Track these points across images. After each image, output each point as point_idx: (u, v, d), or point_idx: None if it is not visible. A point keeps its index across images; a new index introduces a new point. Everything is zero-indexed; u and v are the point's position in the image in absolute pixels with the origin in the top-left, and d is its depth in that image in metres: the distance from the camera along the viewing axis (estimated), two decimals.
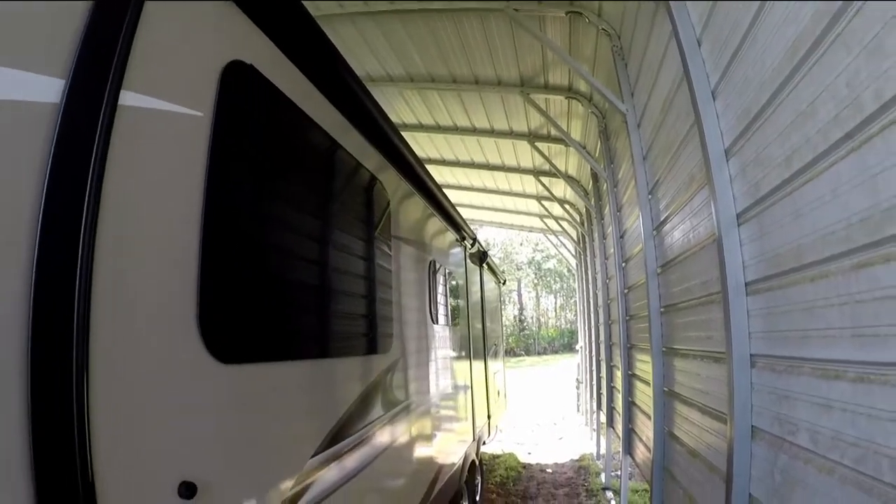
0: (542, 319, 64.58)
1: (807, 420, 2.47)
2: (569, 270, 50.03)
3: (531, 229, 21.24)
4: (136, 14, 1.69)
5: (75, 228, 1.43)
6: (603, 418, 10.57)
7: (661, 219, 5.04)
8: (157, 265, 1.79)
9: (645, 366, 6.15)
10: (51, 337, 1.36)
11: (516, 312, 62.56)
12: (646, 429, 6.11)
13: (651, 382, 5.35)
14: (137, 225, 1.72)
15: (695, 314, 4.19)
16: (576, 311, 34.20)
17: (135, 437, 1.66)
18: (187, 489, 1.80)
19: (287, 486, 2.51)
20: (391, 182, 4.45)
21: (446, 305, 6.56)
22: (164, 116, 1.88)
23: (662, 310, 5.23)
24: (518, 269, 61.94)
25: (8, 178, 1.32)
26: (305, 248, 2.99)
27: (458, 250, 7.68)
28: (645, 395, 6.19)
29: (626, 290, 7.49)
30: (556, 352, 55.14)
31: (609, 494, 9.24)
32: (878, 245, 1.92)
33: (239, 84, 2.29)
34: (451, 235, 7.10)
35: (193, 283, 1.92)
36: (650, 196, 5.40)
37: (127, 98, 1.65)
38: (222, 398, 2.10)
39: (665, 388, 5.20)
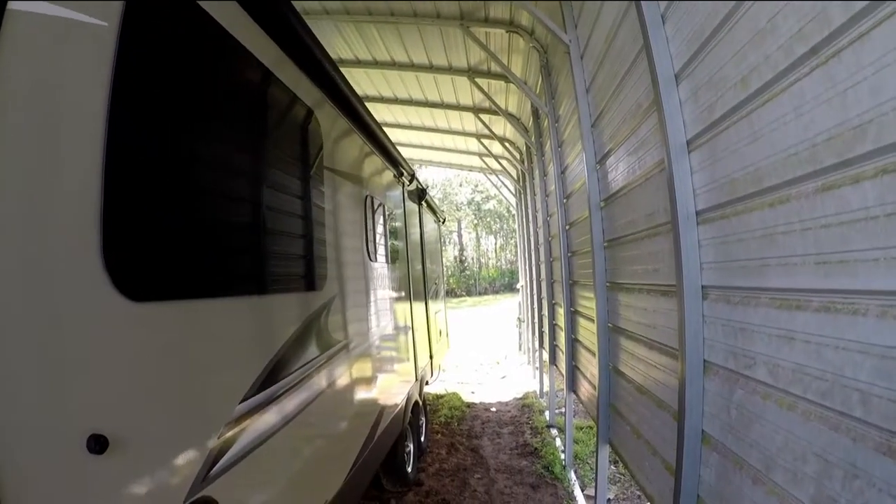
0: (483, 260, 65.09)
1: (765, 353, 2.38)
2: (508, 211, 50.37)
3: (471, 168, 21.04)
4: None
5: None
6: (545, 356, 10.63)
7: (605, 150, 4.91)
8: (53, 192, 1.61)
9: (588, 302, 6.10)
10: None
11: (457, 253, 62.85)
12: (590, 366, 6.10)
13: (595, 318, 5.29)
14: (27, 147, 1.54)
15: (640, 247, 4.10)
16: (516, 251, 34.45)
17: (30, 383, 1.50)
18: (97, 443, 1.64)
19: (214, 435, 2.36)
20: (325, 117, 4.23)
21: (385, 244, 6.39)
22: (62, 24, 1.66)
23: (606, 244, 5.15)
24: (458, 210, 62.00)
25: None
26: (229, 180, 2.78)
27: (396, 188, 7.49)
28: (588, 332, 6.16)
29: (567, 227, 7.41)
30: (496, 292, 55.77)
31: (554, 432, 9.36)
32: (847, 165, 1.79)
33: None
34: (388, 172, 6.90)
35: (97, 212, 1.72)
36: (593, 129, 5.26)
37: (16, 3, 1.49)
38: (134, 340, 1.91)
39: (610, 324, 5.15)
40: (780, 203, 2.22)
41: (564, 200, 7.43)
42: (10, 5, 1.44)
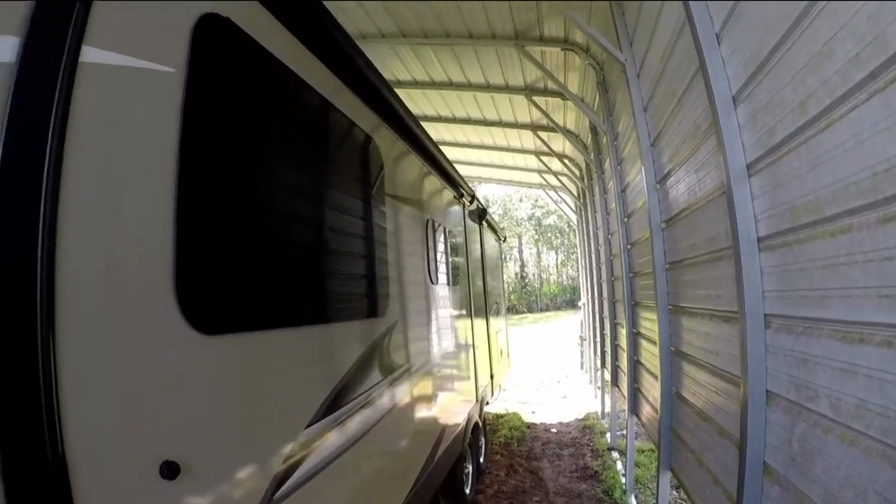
0: (544, 276, 64.62)
1: (827, 386, 2.31)
2: (569, 226, 49.93)
3: (530, 185, 21.03)
4: None
5: (34, 196, 1.36)
6: (608, 377, 10.48)
7: (665, 171, 4.85)
8: (128, 230, 1.69)
9: (650, 324, 6.00)
10: (10, 306, 1.31)
11: (517, 269, 62.57)
12: (652, 389, 5.99)
13: (657, 341, 5.21)
14: (105, 189, 1.62)
15: (702, 271, 4.03)
16: (577, 267, 34.10)
17: (108, 413, 1.57)
18: (169, 469, 1.71)
19: (279, 459, 2.42)
20: (385, 140, 4.29)
21: (446, 264, 6.43)
22: (131, 73, 1.74)
23: (668, 266, 5.07)
24: (518, 226, 61.73)
25: None
26: (293, 210, 2.86)
27: (456, 208, 7.53)
28: (650, 354, 6.06)
29: (629, 246, 7.32)
30: (558, 308, 55.20)
31: (615, 455, 9.20)
32: None
33: (215, 39, 2.15)
34: (448, 193, 6.94)
35: (170, 249, 1.81)
36: (652, 148, 5.20)
37: (88, 54, 1.55)
38: (205, 371, 2.00)
39: (672, 348, 5.06)
40: (842, 233, 2.16)
41: (625, 219, 7.34)
42: (82, 58, 1.51)
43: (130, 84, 1.73)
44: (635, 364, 7.31)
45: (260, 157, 2.54)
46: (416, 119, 4.93)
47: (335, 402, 3.01)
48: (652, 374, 6.02)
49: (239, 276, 2.25)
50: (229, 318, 2.16)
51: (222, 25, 2.20)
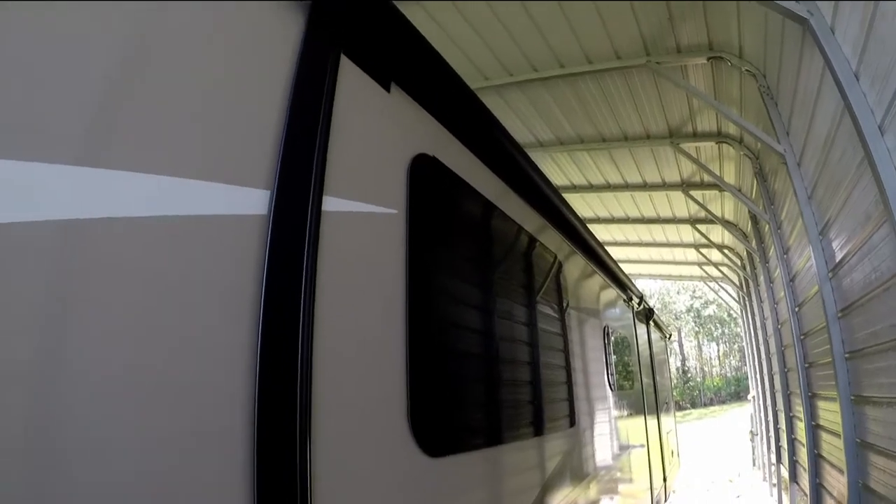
0: (706, 369, 61.69)
1: None
2: (730, 315, 47.75)
3: (690, 278, 20.62)
4: (326, 126, 1.74)
5: (293, 342, 1.47)
6: (784, 473, 9.90)
7: (837, 260, 4.80)
8: (370, 367, 1.82)
9: (830, 415, 5.77)
10: (275, 442, 1.39)
11: (678, 363, 60.15)
12: (836, 483, 5.70)
13: (841, 433, 5.01)
14: (349, 326, 1.75)
15: (886, 359, 3.93)
16: (740, 357, 32.42)
17: None
18: None
19: None
20: (564, 253, 4.46)
21: (622, 370, 6.47)
22: (365, 218, 1.93)
23: (847, 355, 4.93)
24: (677, 319, 59.77)
25: (228, 286, 1.36)
26: (498, 334, 3.01)
27: (626, 311, 7.58)
28: (833, 447, 5.80)
29: (802, 336, 7.10)
30: (722, 402, 51.99)
31: None
32: None
33: (426, 177, 2.33)
34: (619, 298, 7.03)
35: (403, 381, 1.95)
36: (821, 237, 5.16)
37: (329, 203, 1.70)
38: (432, 490, 2.15)
39: (857, 440, 4.85)
40: None
41: (796, 309, 7.16)
42: (324, 208, 1.67)
43: (365, 226, 1.92)
44: (816, 457, 6.95)
45: (469, 285, 2.71)
46: (588, 228, 5.09)
47: None
48: (836, 467, 5.73)
49: (458, 403, 2.41)
50: (451, 441, 2.30)
51: (430, 163, 2.41)
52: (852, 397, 4.92)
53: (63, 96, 1.07)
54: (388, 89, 2.18)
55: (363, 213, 1.93)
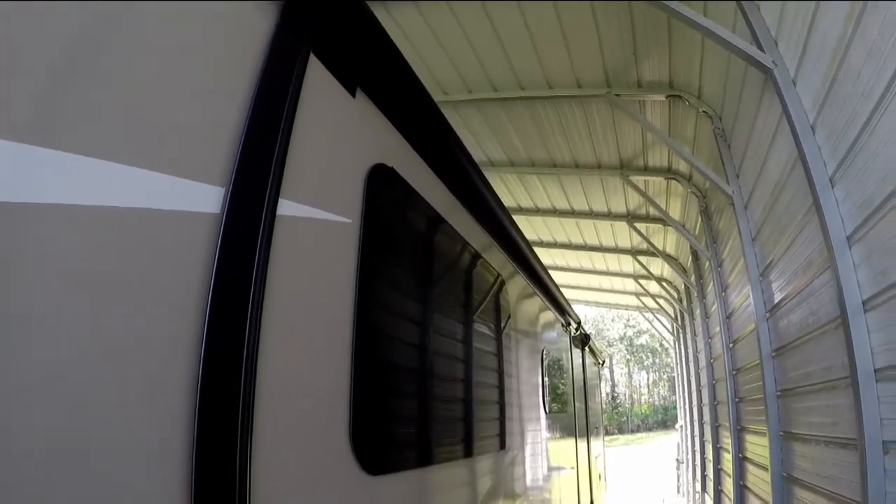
0: (635, 396, 62.77)
1: None
2: (662, 346, 48.65)
3: (627, 307, 21.04)
4: (289, 126, 1.69)
5: (237, 351, 1.41)
6: (709, 501, 10.17)
7: (776, 301, 5.00)
8: (314, 381, 1.78)
9: (758, 449, 5.98)
10: (215, 456, 1.34)
11: (608, 389, 61.00)
12: None
13: (769, 467, 5.20)
14: (297, 340, 1.71)
15: (816, 399, 4.12)
16: (669, 386, 33.05)
17: None
18: None
19: None
20: (508, 273, 4.47)
21: (556, 393, 6.54)
22: (319, 225, 1.88)
23: (779, 393, 5.13)
24: (609, 346, 60.65)
25: (172, 284, 1.29)
26: (442, 351, 3.01)
27: (564, 335, 7.67)
28: (759, 479, 6.01)
29: (734, 372, 7.34)
30: (649, 429, 53.00)
31: None
32: None
33: (382, 188, 2.30)
34: (558, 321, 7.12)
35: (346, 396, 1.91)
36: (762, 277, 5.37)
37: (284, 207, 1.65)
38: None
39: (784, 473, 5.05)
40: None
41: (731, 345, 7.40)
42: (279, 211, 1.61)
43: (319, 231, 1.87)
44: (741, 488, 7.18)
45: (416, 301, 2.70)
46: (533, 251, 5.11)
47: None
48: (762, 499, 5.94)
49: (399, 422, 2.40)
50: (391, 460, 2.30)
51: (387, 174, 2.36)
52: (781, 433, 5.12)
53: (14, 72, 0.99)
54: (353, 94, 2.17)
55: (317, 219, 1.89)
